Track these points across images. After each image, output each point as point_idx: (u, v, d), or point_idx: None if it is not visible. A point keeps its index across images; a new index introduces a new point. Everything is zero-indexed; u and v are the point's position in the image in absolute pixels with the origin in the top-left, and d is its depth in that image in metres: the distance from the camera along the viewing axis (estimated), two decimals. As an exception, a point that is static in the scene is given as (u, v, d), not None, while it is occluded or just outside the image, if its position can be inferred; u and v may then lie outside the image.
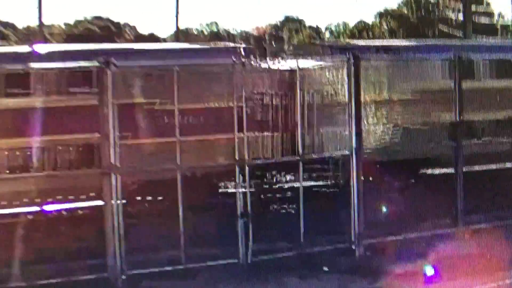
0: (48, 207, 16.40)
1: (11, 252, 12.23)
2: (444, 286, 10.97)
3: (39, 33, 34.43)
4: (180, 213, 12.28)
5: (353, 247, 12.98)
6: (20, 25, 61.80)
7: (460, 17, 43.23)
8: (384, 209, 14.23)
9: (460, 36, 39.28)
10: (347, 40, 55.22)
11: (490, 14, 48.54)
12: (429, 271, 11.40)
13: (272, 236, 13.04)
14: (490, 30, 43.81)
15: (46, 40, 40.11)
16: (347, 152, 13.25)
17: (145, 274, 11.69)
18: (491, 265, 11.49)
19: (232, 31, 72.84)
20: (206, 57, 16.22)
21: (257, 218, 12.65)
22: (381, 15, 56.94)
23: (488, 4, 55.76)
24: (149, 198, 16.66)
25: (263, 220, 13.18)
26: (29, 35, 54.55)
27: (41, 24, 33.65)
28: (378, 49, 17.37)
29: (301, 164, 13.31)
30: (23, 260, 11.96)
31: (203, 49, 19.81)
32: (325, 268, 12.18)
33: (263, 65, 15.13)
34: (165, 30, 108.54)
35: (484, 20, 44.82)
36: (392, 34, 53.92)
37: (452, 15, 49.75)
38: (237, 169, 12.52)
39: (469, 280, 11.08)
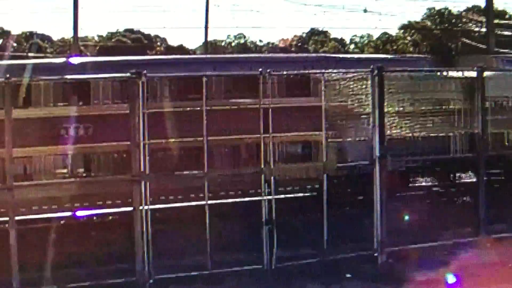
0: (79, 213, 16.55)
1: (44, 256, 12.34)
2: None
3: (74, 45, 34.76)
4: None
5: (376, 254, 12.85)
6: (55, 37, 62.79)
7: (483, 29, 42.84)
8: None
9: (483, 48, 38.91)
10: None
11: (512, 27, 48.06)
12: (451, 279, 11.26)
13: (296, 243, 12.97)
14: (513, 42, 43.35)
15: (80, 52, 40.59)
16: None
17: (172, 278, 11.69)
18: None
19: (258, 43, 73.16)
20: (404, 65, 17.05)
21: (282, 224, 12.63)
22: (404, 27, 56.60)
23: (510, 17, 55.22)
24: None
25: (288, 227, 13.13)
26: (64, 47, 55.33)
27: (76, 37, 33.98)
28: None
29: (326, 175, 13.22)
30: (55, 264, 12.03)
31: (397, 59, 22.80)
32: (348, 275, 12.07)
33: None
34: (194, 41, 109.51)
35: (507, 32, 44.31)
36: (415, 46, 53.59)
37: (475, 28, 49.33)
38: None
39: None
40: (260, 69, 12.87)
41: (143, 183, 12.03)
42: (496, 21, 39.67)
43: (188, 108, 14.40)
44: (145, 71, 12.10)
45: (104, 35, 64.16)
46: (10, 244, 11.52)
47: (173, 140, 15.73)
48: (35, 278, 11.57)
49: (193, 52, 59.65)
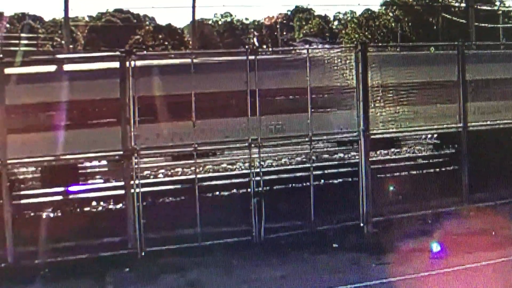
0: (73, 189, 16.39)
1: (44, 230, 12.32)
2: (449, 262, 10.73)
3: (65, 25, 34.16)
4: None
5: (362, 224, 12.78)
6: (47, 18, 62.14)
7: (463, 4, 42.56)
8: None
9: (462, 22, 38.68)
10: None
11: (491, 1, 47.73)
12: (434, 247, 11.20)
13: (285, 215, 12.85)
14: (492, 16, 43.08)
15: (71, 32, 40.08)
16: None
17: (163, 251, 11.56)
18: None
19: (245, 21, 72.71)
20: None
21: (270, 197, 12.53)
22: (386, 3, 56.28)
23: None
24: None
25: (276, 199, 13.04)
26: (55, 28, 54.68)
27: (67, 17, 33.40)
28: None
29: (310, 145, 13.11)
30: (54, 238, 11.90)
31: None
32: (335, 245, 11.98)
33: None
34: (182, 20, 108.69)
35: (486, 7, 44.05)
36: (397, 22, 53.31)
37: (455, 3, 49.02)
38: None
39: (473, 256, 10.87)
40: (246, 47, 12.66)
41: (133, 158, 11.88)
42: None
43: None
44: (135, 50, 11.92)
45: (94, 15, 63.50)
46: (5, 219, 11.40)
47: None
48: (34, 251, 11.41)
49: (181, 30, 59.12)
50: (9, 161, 11.61)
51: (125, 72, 11.88)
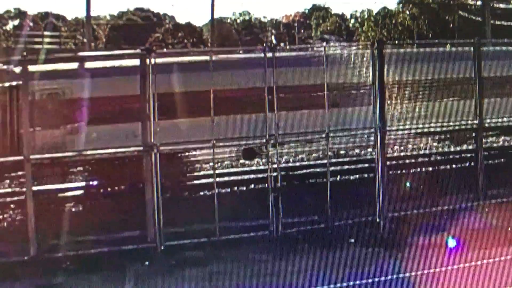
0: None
1: (66, 225, 12.32)
2: (465, 258, 10.63)
3: (87, 24, 34.35)
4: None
5: (378, 220, 12.69)
6: (69, 17, 62.49)
7: (479, 2, 42.19)
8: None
9: (478, 20, 38.37)
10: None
11: (508, -1, 47.28)
12: (451, 243, 11.10)
13: (302, 210, 12.80)
14: (508, 14, 42.64)
15: (93, 30, 40.31)
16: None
17: (182, 244, 11.58)
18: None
19: (263, 19, 72.66)
20: None
21: (287, 193, 12.49)
22: (403, 2, 55.88)
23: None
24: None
25: (293, 195, 12.98)
26: (78, 26, 54.99)
27: (89, 16, 33.59)
28: None
29: (327, 142, 13.03)
30: (75, 232, 11.94)
31: None
32: (351, 240, 11.91)
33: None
34: (201, 19, 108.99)
35: (502, 4, 43.57)
36: (414, 20, 52.96)
37: (471, 1, 48.59)
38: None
39: (489, 251, 10.75)
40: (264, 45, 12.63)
41: (153, 153, 11.89)
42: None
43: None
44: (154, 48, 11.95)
45: (115, 14, 63.80)
46: (27, 213, 11.47)
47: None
48: (56, 245, 11.47)
49: (201, 29, 59.24)
50: (32, 157, 11.64)
51: (146, 70, 11.91)
